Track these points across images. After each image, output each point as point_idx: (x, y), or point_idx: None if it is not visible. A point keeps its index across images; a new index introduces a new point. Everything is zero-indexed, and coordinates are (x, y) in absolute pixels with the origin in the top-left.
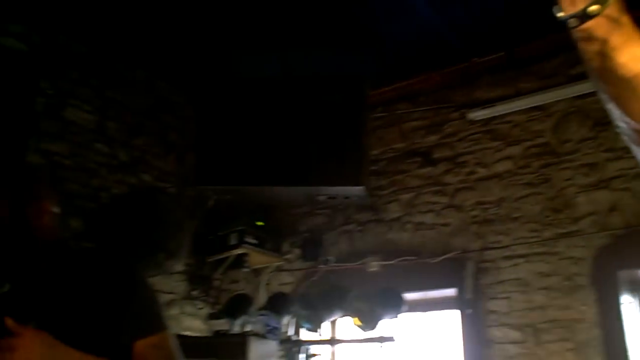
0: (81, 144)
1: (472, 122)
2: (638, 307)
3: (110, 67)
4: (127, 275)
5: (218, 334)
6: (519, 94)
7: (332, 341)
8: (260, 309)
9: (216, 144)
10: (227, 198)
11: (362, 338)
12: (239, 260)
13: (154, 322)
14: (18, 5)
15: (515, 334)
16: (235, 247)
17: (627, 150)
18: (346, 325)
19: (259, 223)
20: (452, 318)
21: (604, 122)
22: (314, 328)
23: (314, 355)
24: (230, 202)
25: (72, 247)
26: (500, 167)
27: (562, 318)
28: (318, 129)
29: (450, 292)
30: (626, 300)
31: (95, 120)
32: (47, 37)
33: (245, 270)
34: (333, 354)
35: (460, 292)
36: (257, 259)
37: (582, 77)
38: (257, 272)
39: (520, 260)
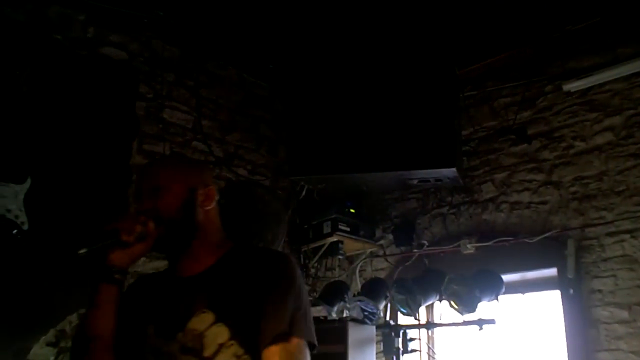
0: (180, 143)
1: (568, 93)
2: None
3: (202, 67)
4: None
5: (317, 320)
6: (617, 61)
7: (429, 325)
8: (357, 294)
9: (306, 134)
10: (319, 187)
11: (460, 321)
12: (334, 248)
13: (292, 327)
14: (115, 16)
15: (622, 314)
16: (329, 235)
17: None
18: (444, 308)
19: (352, 210)
20: (553, 299)
21: None
22: (411, 312)
23: (411, 339)
24: (323, 191)
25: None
26: (601, 139)
27: None
28: (407, 113)
29: (551, 272)
30: None
31: (192, 120)
32: (143, 44)
33: (340, 257)
34: (430, 337)
35: (561, 271)
36: (351, 245)
37: None
38: (351, 258)
39: (626, 236)
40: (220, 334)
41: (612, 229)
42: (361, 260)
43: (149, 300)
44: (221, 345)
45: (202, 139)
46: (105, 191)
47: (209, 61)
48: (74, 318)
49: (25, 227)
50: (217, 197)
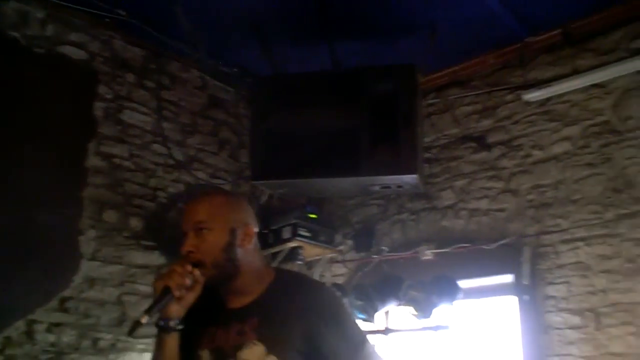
0: (139, 146)
1: (528, 103)
2: None
3: (164, 69)
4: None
5: None
6: (576, 72)
7: (387, 331)
8: None
9: (268, 139)
10: (280, 192)
11: (416, 327)
12: (293, 254)
13: (359, 339)
14: (76, 14)
15: (575, 319)
16: (289, 240)
17: None
18: (400, 314)
19: (312, 216)
20: (509, 304)
21: None
22: (369, 318)
23: None
24: (284, 196)
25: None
26: (558, 149)
27: (624, 301)
28: (369, 119)
29: (507, 278)
30: None
31: (152, 122)
32: (104, 44)
33: (300, 263)
34: (387, 343)
35: (517, 278)
36: (311, 251)
37: None
38: (311, 264)
39: (580, 243)
40: None
41: (567, 236)
42: (321, 266)
43: (201, 325)
44: None
45: (162, 142)
46: (59, 192)
47: (171, 63)
48: (21, 324)
49: None
50: (256, 231)
